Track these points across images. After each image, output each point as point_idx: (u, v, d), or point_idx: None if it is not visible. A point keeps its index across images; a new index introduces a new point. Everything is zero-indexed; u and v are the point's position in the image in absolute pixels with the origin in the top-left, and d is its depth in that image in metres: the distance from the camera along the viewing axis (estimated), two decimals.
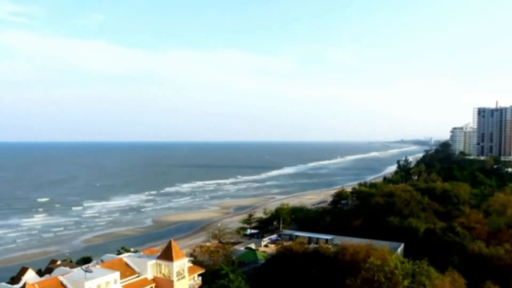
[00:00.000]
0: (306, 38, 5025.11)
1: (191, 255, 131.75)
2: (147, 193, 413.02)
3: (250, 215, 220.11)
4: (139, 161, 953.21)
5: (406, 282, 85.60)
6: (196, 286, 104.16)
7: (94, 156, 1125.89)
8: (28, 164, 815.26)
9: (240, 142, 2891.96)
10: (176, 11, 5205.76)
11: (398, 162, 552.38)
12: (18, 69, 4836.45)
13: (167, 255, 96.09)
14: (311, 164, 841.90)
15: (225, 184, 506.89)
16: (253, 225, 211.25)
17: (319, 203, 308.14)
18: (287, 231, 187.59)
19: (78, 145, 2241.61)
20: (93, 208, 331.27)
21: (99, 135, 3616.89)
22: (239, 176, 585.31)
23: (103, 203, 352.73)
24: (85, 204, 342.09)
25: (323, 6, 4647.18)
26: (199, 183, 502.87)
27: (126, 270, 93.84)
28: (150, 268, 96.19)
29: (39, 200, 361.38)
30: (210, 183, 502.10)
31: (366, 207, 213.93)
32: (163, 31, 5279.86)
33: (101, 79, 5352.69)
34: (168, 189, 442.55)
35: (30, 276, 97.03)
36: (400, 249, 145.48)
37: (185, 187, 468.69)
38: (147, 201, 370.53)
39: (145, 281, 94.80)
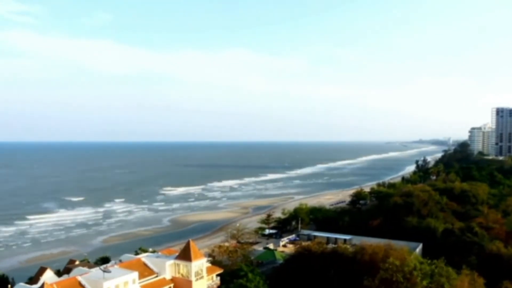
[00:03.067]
0: (317, 37, 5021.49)
1: (209, 255, 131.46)
2: (163, 193, 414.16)
3: (269, 215, 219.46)
4: (152, 161, 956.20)
5: (424, 283, 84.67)
6: (215, 286, 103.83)
7: (103, 157, 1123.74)
8: (37, 164, 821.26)
9: (253, 142, 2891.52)
10: (184, 10, 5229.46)
11: (416, 162, 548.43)
12: (23, 69, 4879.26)
13: (185, 255, 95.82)
14: (328, 165, 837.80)
15: (242, 184, 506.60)
16: (272, 225, 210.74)
17: (338, 203, 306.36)
18: (306, 231, 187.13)
19: (85, 145, 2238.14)
20: (110, 208, 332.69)
21: (107, 135, 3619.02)
22: (257, 177, 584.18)
23: (120, 203, 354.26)
24: (103, 204, 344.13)
25: (332, 4, 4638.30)
26: (216, 183, 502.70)
27: (145, 270, 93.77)
28: (169, 268, 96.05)
29: (54, 200, 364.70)
30: (227, 183, 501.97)
31: (384, 207, 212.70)
32: (172, 30, 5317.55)
33: (108, 78, 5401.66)
34: (185, 189, 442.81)
35: (48, 276, 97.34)
36: (418, 249, 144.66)
37: (202, 187, 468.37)
38: (165, 201, 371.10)
39: (164, 281, 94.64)
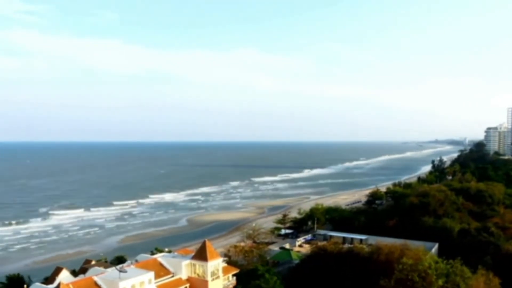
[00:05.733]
0: (325, 37, 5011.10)
1: (225, 255, 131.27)
2: (179, 193, 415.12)
3: (285, 215, 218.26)
4: (164, 161, 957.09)
5: (440, 282, 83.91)
6: (231, 286, 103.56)
7: (114, 157, 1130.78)
8: (43, 164, 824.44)
9: (259, 142, 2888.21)
10: (191, 9, 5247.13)
11: (432, 162, 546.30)
12: (29, 68, 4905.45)
13: (201, 255, 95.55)
14: (344, 165, 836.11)
15: (257, 184, 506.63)
16: (288, 225, 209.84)
17: (354, 203, 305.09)
18: (322, 231, 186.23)
19: (92, 145, 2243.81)
20: (126, 207, 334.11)
21: (112, 135, 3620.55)
22: (271, 176, 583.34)
23: (136, 202, 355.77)
24: (118, 204, 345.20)
25: (339, 4, 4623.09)
26: (231, 183, 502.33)
27: (161, 270, 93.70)
28: (185, 268, 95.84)
29: (69, 200, 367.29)
30: (242, 184, 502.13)
31: (400, 207, 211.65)
32: (178, 30, 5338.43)
33: (115, 78, 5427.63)
34: (200, 190, 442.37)
35: (64, 276, 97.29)
36: (434, 249, 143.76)
37: (216, 187, 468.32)
38: (181, 201, 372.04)
39: (180, 281, 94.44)
